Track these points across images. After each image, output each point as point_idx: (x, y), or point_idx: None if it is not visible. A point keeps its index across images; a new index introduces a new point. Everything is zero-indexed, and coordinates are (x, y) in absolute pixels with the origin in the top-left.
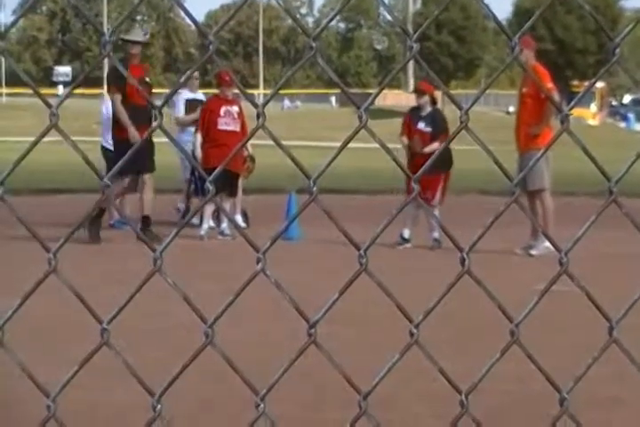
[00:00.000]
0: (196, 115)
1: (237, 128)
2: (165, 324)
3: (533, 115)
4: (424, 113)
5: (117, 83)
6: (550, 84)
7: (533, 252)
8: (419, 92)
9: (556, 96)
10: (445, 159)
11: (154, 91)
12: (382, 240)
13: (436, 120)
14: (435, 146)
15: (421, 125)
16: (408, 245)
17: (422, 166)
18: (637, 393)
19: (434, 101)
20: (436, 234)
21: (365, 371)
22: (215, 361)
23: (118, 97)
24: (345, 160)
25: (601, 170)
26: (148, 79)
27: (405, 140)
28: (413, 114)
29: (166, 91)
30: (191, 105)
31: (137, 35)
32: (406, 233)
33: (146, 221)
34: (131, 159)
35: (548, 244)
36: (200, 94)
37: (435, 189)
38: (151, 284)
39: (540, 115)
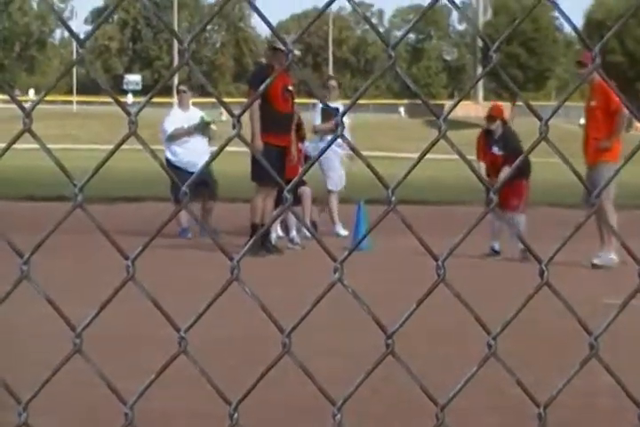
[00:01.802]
0: (331, 124)
1: None
2: (232, 333)
3: (602, 129)
4: (496, 136)
5: (259, 86)
6: (622, 107)
7: (596, 261)
8: (490, 118)
9: (625, 110)
10: (525, 166)
11: (227, 100)
12: (467, 252)
13: (508, 142)
14: (506, 171)
15: (495, 149)
16: (498, 258)
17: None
18: None
19: (504, 122)
20: (521, 245)
21: (439, 382)
22: (285, 369)
23: (257, 102)
24: (415, 170)
25: None
26: (291, 87)
27: (483, 164)
28: (487, 137)
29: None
30: (326, 113)
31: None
32: (496, 245)
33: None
34: (273, 169)
35: (613, 255)
36: (338, 104)
37: (520, 196)
38: (226, 293)
39: (610, 128)
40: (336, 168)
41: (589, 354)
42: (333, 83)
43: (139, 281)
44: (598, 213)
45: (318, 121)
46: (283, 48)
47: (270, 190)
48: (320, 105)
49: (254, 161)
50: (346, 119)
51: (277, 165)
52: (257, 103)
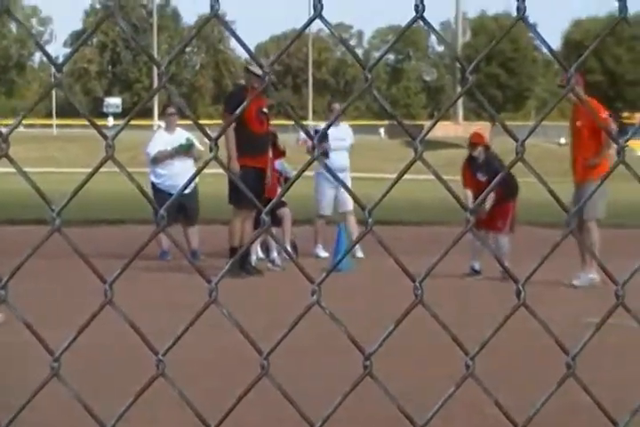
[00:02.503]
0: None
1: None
2: (217, 355)
3: (591, 147)
4: (479, 161)
5: (235, 109)
6: (605, 115)
7: (575, 282)
8: (471, 145)
9: (613, 126)
10: (512, 187)
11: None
12: (447, 272)
13: (491, 167)
14: (492, 197)
15: (479, 175)
16: (479, 277)
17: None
18: None
19: (486, 147)
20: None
21: (417, 403)
22: (264, 391)
23: (232, 125)
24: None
25: None
26: (266, 109)
27: (469, 192)
28: (470, 164)
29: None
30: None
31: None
32: (476, 265)
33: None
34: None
35: (592, 275)
36: (342, 126)
37: (505, 218)
38: (202, 316)
39: (598, 146)
40: (324, 193)
41: (566, 373)
42: (337, 106)
43: (117, 305)
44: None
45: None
46: (254, 70)
47: (249, 213)
48: (315, 127)
49: (231, 184)
50: (348, 141)
51: (255, 187)
52: (232, 126)
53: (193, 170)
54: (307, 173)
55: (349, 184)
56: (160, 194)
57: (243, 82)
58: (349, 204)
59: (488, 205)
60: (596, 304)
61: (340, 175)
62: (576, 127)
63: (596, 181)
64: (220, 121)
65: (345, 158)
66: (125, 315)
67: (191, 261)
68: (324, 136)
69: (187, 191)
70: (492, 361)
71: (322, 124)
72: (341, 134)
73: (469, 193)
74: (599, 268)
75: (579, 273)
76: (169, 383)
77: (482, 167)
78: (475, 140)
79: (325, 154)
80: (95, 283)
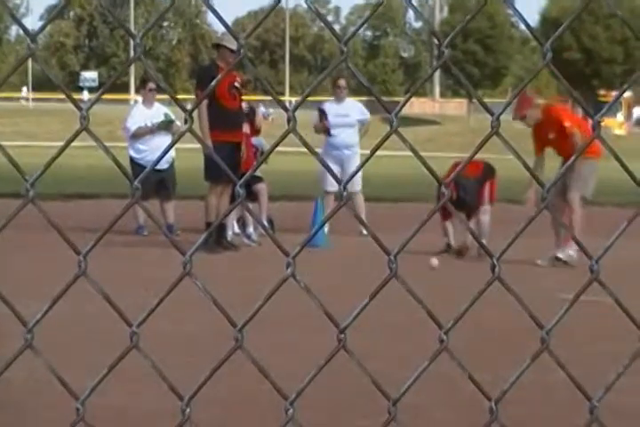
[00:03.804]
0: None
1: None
2: (193, 329)
3: (571, 148)
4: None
5: (205, 86)
6: (569, 123)
7: (560, 255)
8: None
9: (578, 136)
10: (488, 169)
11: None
12: (423, 249)
13: (467, 193)
14: (487, 209)
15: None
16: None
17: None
18: None
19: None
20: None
21: (392, 378)
22: (241, 366)
23: (205, 101)
24: (370, 167)
25: (632, 176)
26: (237, 84)
27: (449, 226)
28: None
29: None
30: (321, 113)
31: (233, 44)
32: (452, 241)
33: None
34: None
35: (572, 252)
36: (348, 102)
37: (481, 196)
38: (179, 291)
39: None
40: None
41: (541, 348)
42: (342, 82)
43: (91, 276)
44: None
45: (315, 121)
46: (227, 45)
47: (224, 188)
48: (318, 105)
49: (207, 160)
50: (353, 117)
51: (231, 162)
52: (204, 102)
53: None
54: (287, 148)
55: (357, 162)
56: (139, 169)
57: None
58: (357, 184)
59: (482, 214)
60: (572, 280)
61: (346, 152)
62: (550, 141)
63: (587, 159)
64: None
65: (350, 135)
66: (99, 286)
67: (167, 234)
68: (322, 113)
69: (164, 166)
70: (470, 337)
71: (327, 101)
72: (344, 111)
73: (449, 227)
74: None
75: (559, 248)
76: (143, 355)
77: (461, 192)
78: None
79: (327, 131)
80: (70, 256)
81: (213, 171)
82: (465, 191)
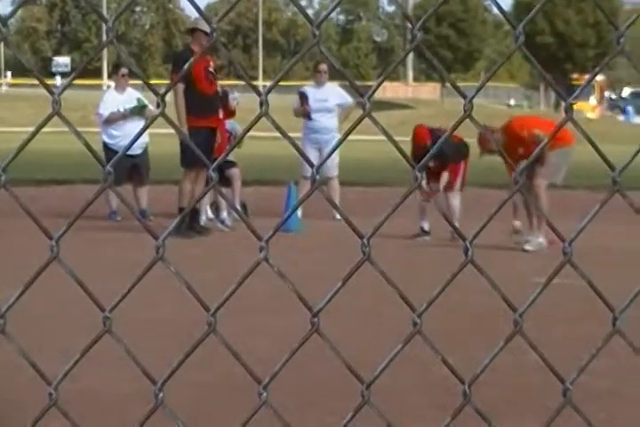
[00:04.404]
0: (302, 108)
1: None
2: (167, 313)
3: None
4: (426, 150)
5: (181, 70)
6: (537, 131)
7: (527, 247)
8: (418, 147)
9: (540, 135)
10: (462, 148)
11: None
12: (396, 232)
13: (441, 154)
14: (445, 178)
15: (429, 163)
16: (427, 238)
17: (427, 160)
18: (634, 386)
19: (432, 138)
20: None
21: (365, 361)
22: (216, 350)
23: (181, 85)
24: (343, 152)
25: (605, 159)
26: (212, 69)
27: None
28: (417, 154)
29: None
30: (302, 97)
31: (206, 26)
32: (426, 225)
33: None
34: (203, 151)
35: (541, 239)
36: (328, 87)
37: (455, 176)
38: (153, 276)
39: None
40: (307, 154)
41: (514, 331)
42: (324, 67)
43: (63, 261)
44: (528, 195)
45: (296, 104)
46: (201, 28)
47: (199, 173)
48: (300, 89)
49: (182, 146)
50: (332, 101)
51: (206, 148)
52: (181, 88)
53: (146, 131)
54: (262, 133)
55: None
56: (112, 154)
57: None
58: (333, 169)
59: (441, 185)
60: (545, 264)
61: (326, 137)
62: (521, 156)
63: (563, 148)
64: (168, 81)
65: (329, 120)
66: (72, 271)
67: (139, 218)
68: (302, 97)
69: (137, 152)
70: (443, 320)
71: (307, 86)
72: (324, 95)
73: (426, 209)
74: (548, 228)
75: (527, 237)
76: (115, 340)
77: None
78: (418, 141)
79: (307, 115)
80: (43, 241)
81: (188, 156)
82: (445, 144)
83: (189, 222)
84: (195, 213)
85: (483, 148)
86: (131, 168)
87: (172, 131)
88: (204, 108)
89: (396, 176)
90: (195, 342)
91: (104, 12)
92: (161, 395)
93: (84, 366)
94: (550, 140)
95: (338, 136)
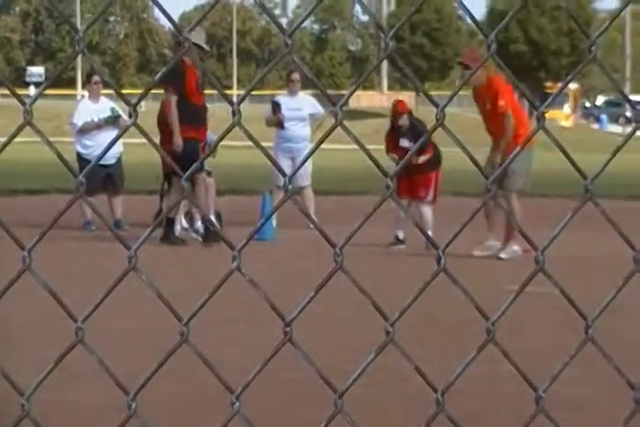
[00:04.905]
0: (275, 117)
1: None
2: (139, 323)
3: (500, 130)
4: (404, 128)
5: (176, 82)
6: (503, 102)
7: (502, 255)
8: (397, 113)
9: (510, 120)
10: (435, 157)
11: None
12: (371, 241)
13: (416, 132)
14: (423, 158)
15: (404, 142)
16: (402, 247)
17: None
18: (607, 394)
19: (410, 113)
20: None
21: (339, 371)
22: (189, 361)
23: (174, 97)
24: (318, 161)
25: (577, 167)
26: (201, 82)
27: (395, 155)
28: (394, 131)
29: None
30: (275, 106)
31: (200, 39)
32: (400, 234)
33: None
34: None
35: (515, 247)
36: (301, 96)
37: (428, 187)
38: (126, 286)
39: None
40: (280, 164)
41: (486, 339)
42: (296, 76)
43: (35, 272)
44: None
45: (268, 113)
46: (201, 45)
47: (176, 183)
48: (274, 98)
49: (174, 157)
50: (306, 111)
51: (196, 158)
52: (174, 101)
53: (120, 141)
54: (236, 142)
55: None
56: (86, 164)
57: (166, 51)
58: (306, 178)
59: (421, 160)
60: (519, 272)
61: (299, 146)
62: (484, 109)
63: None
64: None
65: (302, 129)
66: (44, 282)
67: (112, 229)
68: (275, 106)
69: (111, 161)
70: (417, 329)
71: (280, 95)
72: (297, 104)
73: (395, 156)
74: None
75: (502, 246)
76: (88, 351)
77: (406, 133)
78: (400, 109)
79: (280, 124)
80: (17, 252)
81: (184, 165)
82: (420, 124)
83: (165, 233)
84: (170, 223)
85: (466, 60)
86: (105, 178)
87: (145, 140)
88: (194, 119)
89: (372, 185)
90: (167, 353)
91: (78, 22)
92: (134, 405)
93: (59, 376)
94: (517, 145)
95: (310, 145)
